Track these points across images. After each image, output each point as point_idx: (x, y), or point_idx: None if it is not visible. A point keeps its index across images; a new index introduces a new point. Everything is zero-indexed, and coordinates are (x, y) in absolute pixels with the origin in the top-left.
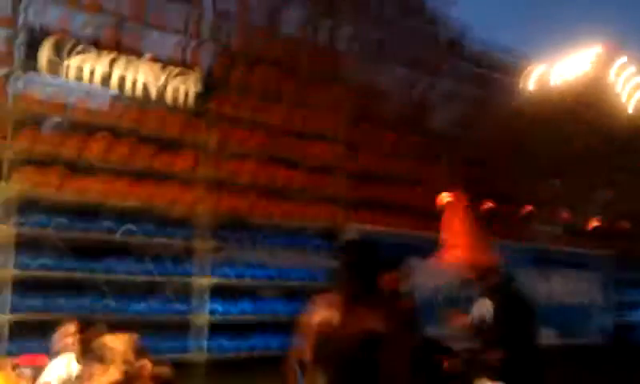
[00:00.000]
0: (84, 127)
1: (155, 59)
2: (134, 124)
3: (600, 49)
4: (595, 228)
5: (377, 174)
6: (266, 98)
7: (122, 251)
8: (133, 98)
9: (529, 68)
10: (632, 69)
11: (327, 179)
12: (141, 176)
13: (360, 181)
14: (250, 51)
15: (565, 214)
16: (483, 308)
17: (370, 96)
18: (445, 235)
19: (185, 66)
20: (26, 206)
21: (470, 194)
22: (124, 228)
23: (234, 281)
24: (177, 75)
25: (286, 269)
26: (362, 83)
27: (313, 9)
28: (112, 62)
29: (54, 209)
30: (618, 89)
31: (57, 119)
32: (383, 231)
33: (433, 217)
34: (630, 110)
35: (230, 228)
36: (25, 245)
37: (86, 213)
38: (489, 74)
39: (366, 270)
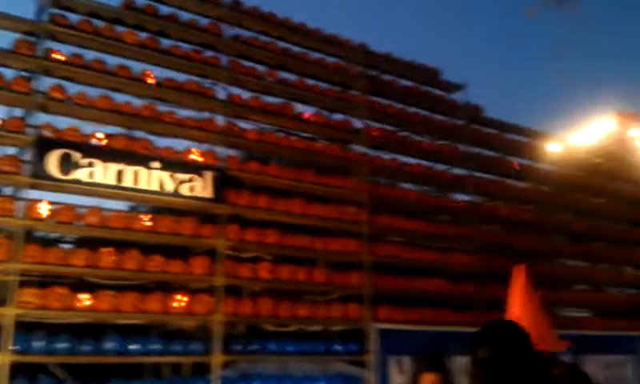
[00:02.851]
0: (91, 242)
1: (166, 164)
2: (144, 234)
3: (615, 118)
4: (627, 307)
5: (400, 266)
6: (280, 195)
7: (129, 373)
8: (143, 208)
9: (545, 145)
10: None
11: (349, 275)
12: (150, 289)
13: (383, 274)
14: (263, 149)
15: (592, 295)
16: None
17: (388, 186)
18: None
19: (196, 169)
20: (25, 331)
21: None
22: (130, 348)
23: None
24: (189, 180)
25: (308, 380)
26: (378, 173)
27: (324, 104)
28: (121, 172)
29: (55, 332)
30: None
31: (63, 234)
32: (417, 328)
33: (464, 308)
34: None
35: (245, 338)
36: (22, 373)
37: (89, 333)
38: (504, 154)
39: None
